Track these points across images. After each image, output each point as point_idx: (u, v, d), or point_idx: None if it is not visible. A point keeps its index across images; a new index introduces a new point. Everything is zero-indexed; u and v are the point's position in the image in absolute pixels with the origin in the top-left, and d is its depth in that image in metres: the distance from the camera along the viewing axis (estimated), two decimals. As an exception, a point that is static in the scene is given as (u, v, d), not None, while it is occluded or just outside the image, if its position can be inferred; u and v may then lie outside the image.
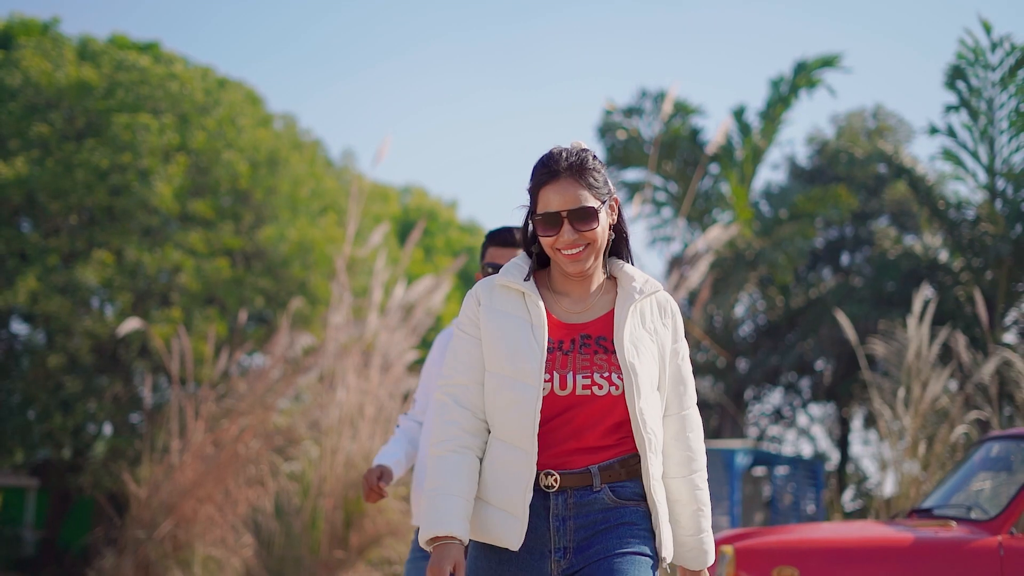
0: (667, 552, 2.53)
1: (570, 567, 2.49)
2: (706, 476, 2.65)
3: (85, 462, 15.96)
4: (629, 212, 12.26)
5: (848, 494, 15.78)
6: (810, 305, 15.63)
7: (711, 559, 2.66)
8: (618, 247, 2.67)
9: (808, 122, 31.38)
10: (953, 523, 5.20)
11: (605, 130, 14.98)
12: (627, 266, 2.65)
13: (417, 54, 39.56)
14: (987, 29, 12.45)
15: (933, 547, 5.04)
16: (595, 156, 2.59)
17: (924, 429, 9.22)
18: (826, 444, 17.47)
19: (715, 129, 17.60)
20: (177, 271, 14.77)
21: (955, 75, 12.81)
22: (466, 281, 19.62)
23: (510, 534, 2.48)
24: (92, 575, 10.01)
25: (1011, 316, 12.72)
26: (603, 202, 2.56)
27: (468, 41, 39.69)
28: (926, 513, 5.60)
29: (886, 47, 33.76)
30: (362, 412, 9.11)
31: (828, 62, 13.76)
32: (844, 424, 16.78)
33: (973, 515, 5.31)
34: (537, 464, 2.48)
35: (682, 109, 14.63)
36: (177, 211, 15.07)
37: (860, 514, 13.10)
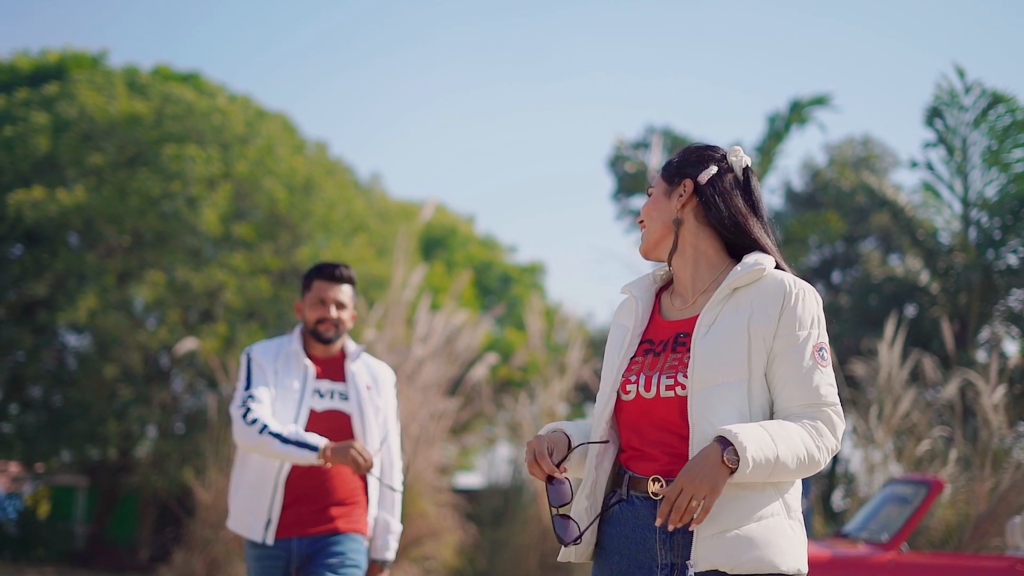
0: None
1: None
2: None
3: (132, 463, 17.22)
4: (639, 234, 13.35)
5: (838, 493, 16.97)
6: (802, 322, 16.72)
7: None
8: (743, 234, 2.40)
9: (804, 149, 33.29)
10: (861, 543, 6.91)
11: (615, 162, 16.20)
12: (749, 256, 2.39)
13: (421, 51, 40.42)
14: (961, 74, 13.54)
15: (842, 561, 6.63)
16: (690, 150, 2.50)
17: (896, 441, 10.51)
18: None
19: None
20: (221, 289, 15.99)
21: (933, 114, 13.89)
22: (483, 293, 20.85)
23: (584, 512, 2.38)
24: (164, 570, 11.28)
25: (983, 335, 13.93)
26: (670, 183, 2.45)
27: (475, 37, 40.69)
28: (845, 536, 7.30)
29: (875, 82, 35.45)
30: (406, 431, 10.32)
31: (820, 101, 14.80)
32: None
33: (877, 537, 6.92)
34: (644, 469, 2.32)
35: (682, 144, 15.80)
36: (221, 234, 16.30)
37: (844, 514, 14.33)
